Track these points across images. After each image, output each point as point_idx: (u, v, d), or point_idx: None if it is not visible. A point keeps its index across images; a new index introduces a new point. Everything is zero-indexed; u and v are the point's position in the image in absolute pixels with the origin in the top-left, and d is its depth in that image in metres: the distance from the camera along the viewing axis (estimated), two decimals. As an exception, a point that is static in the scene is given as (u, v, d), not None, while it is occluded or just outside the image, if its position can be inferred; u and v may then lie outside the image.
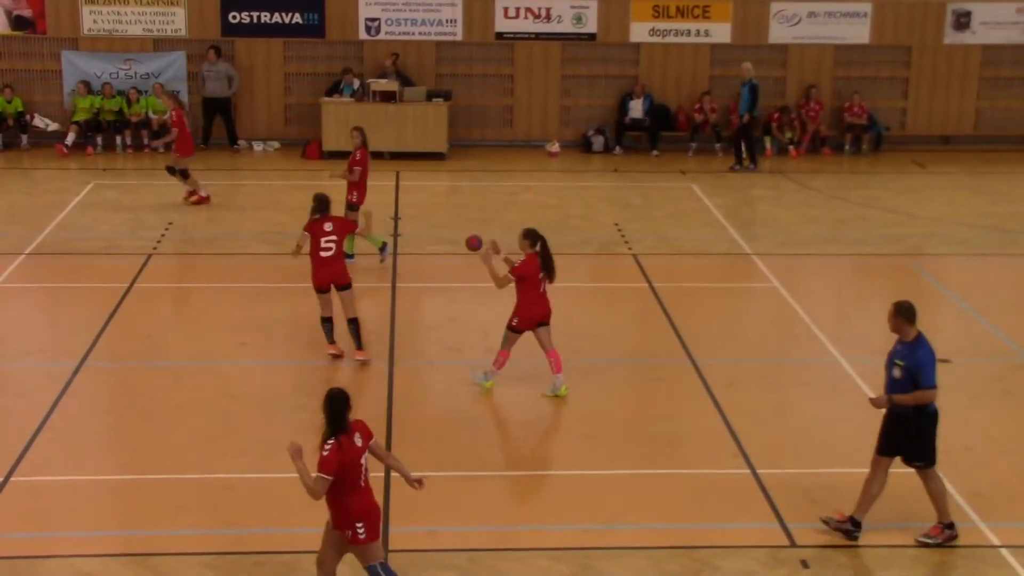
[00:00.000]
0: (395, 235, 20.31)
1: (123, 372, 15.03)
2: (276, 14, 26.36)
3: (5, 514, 11.53)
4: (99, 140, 25.81)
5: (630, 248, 19.87)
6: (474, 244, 14.45)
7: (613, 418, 13.91)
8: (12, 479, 12.11)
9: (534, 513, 11.88)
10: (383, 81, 25.64)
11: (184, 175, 21.73)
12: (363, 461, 9.52)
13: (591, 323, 16.79)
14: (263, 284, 17.93)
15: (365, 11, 26.49)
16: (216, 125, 26.22)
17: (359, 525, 9.50)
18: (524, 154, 26.55)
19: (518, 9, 26.68)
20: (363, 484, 9.52)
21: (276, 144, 26.53)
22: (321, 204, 15.12)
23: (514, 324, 14.20)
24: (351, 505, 9.48)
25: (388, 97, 25.49)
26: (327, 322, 15.16)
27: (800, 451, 13.18)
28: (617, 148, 26.86)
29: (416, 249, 19.67)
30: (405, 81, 25.99)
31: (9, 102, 25.55)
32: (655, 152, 26.64)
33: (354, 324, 15.10)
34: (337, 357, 15.13)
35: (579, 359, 15.43)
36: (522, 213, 21.74)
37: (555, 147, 26.72)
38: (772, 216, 22.11)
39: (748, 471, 12.57)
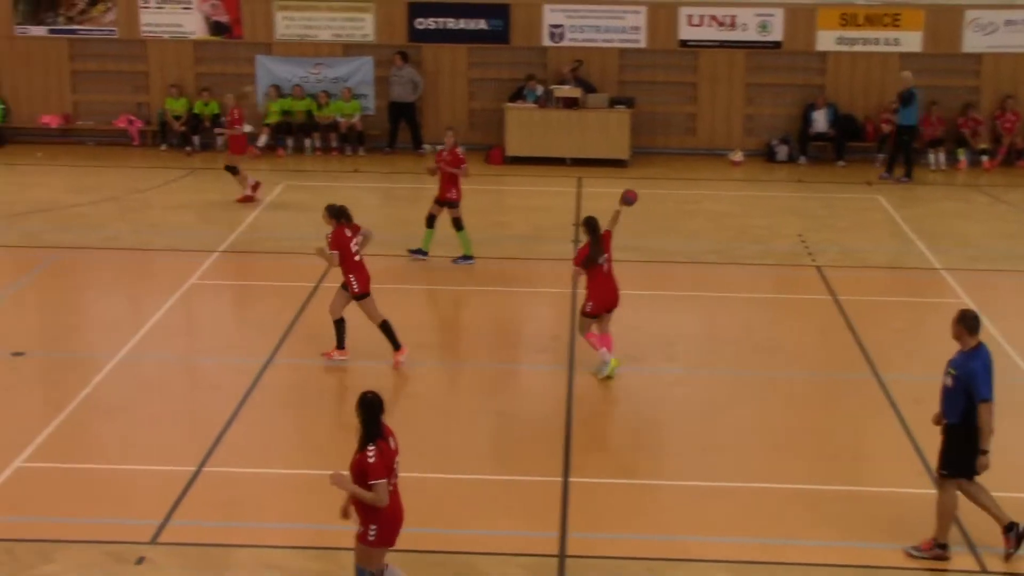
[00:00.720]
0: (576, 241, 20.37)
1: (309, 369, 15.38)
2: (462, 20, 26.70)
3: (199, 502, 11.92)
4: (289, 142, 26.51)
5: (813, 259, 19.57)
6: (631, 197, 15.22)
7: (795, 431, 13.73)
8: (205, 469, 12.53)
9: (713, 524, 11.77)
10: (566, 87, 25.75)
11: (234, 171, 22.51)
12: (395, 465, 9.57)
13: (773, 335, 16.59)
14: (445, 287, 18.19)
15: (549, 18, 26.65)
16: (401, 129, 26.68)
17: (373, 527, 9.54)
18: (706, 162, 26.37)
19: (702, 17, 26.53)
20: (391, 488, 9.54)
21: (460, 149, 26.79)
22: (343, 213, 15.11)
23: (587, 310, 14.72)
24: (373, 506, 9.45)
25: (571, 103, 25.60)
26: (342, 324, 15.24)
27: (990, 472, 12.77)
28: (802, 158, 26.48)
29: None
30: (587, 88, 26.07)
31: (206, 105, 26.43)
32: (841, 162, 26.20)
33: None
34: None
35: (761, 371, 15.26)
36: (704, 222, 21.61)
37: (738, 156, 26.48)
38: (963, 230, 21.52)
39: (935, 491, 12.25)
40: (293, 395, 14.71)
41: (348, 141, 26.53)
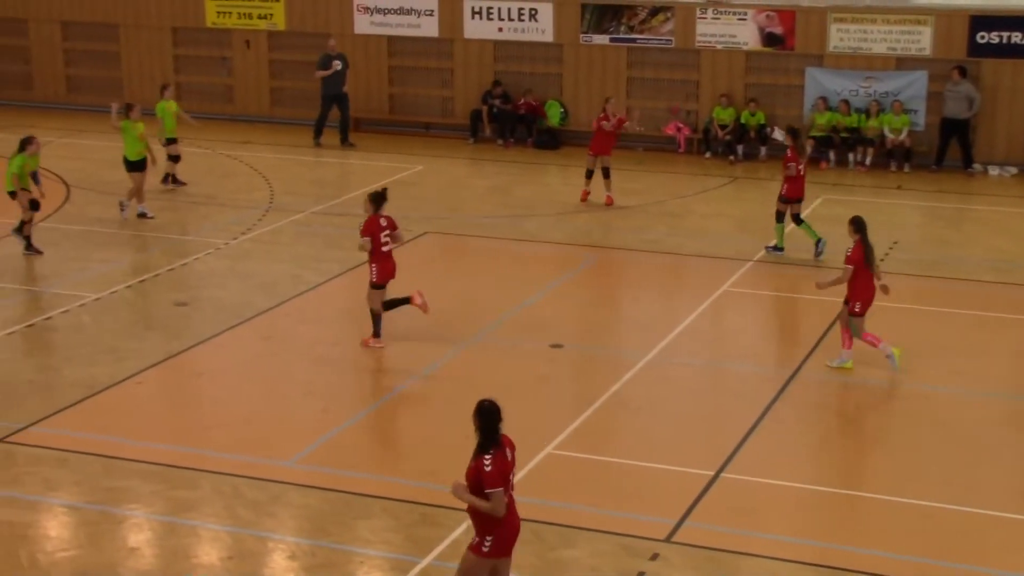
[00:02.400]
0: None
1: (835, 385, 15.18)
2: (1027, 34, 25.36)
3: (714, 507, 12.11)
4: (832, 155, 26.25)
5: None
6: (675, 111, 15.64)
7: None
8: (723, 475, 12.70)
9: None
10: None
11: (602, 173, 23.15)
12: (511, 479, 9.32)
13: None
14: (983, 312, 17.39)
15: None
16: (951, 147, 25.71)
17: (489, 538, 9.27)
18: None
19: None
20: (508, 500, 9.28)
21: (1013, 170, 25.54)
22: (379, 199, 15.75)
23: (858, 310, 15.01)
24: (489, 516, 9.21)
25: None
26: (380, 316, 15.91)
27: None
28: None
29: None
30: None
31: (752, 115, 26.68)
32: None
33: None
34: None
35: None
36: None
37: None
38: None
39: None
40: (816, 410, 14.60)
41: (893, 157, 25.89)
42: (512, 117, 28.15)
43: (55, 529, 11.75)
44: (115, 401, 14.60)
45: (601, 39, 27.88)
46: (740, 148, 26.77)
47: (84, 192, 23.21)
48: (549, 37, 28.18)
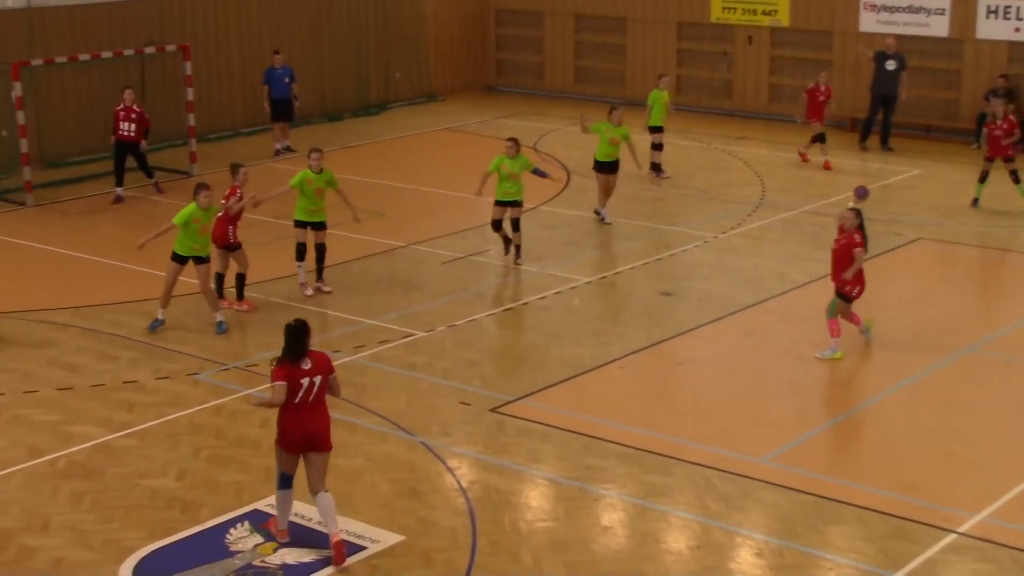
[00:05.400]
0: None
1: None
2: None
3: None
4: None
5: None
6: (862, 192, 16.82)
7: None
8: None
9: None
10: None
11: (821, 139, 25.25)
12: (304, 383, 10.69)
13: None
14: None
15: None
16: None
17: (278, 429, 10.89)
18: None
19: None
20: (297, 403, 10.68)
21: None
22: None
23: (854, 295, 15.59)
24: (279, 418, 10.82)
25: None
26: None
27: None
28: None
29: None
30: None
31: None
32: None
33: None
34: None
35: None
36: None
37: None
38: None
39: None
40: None
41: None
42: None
43: (536, 499, 12.35)
44: (598, 382, 15.15)
45: None
46: None
47: (584, 180, 24.15)
48: (1072, 38, 26.52)
